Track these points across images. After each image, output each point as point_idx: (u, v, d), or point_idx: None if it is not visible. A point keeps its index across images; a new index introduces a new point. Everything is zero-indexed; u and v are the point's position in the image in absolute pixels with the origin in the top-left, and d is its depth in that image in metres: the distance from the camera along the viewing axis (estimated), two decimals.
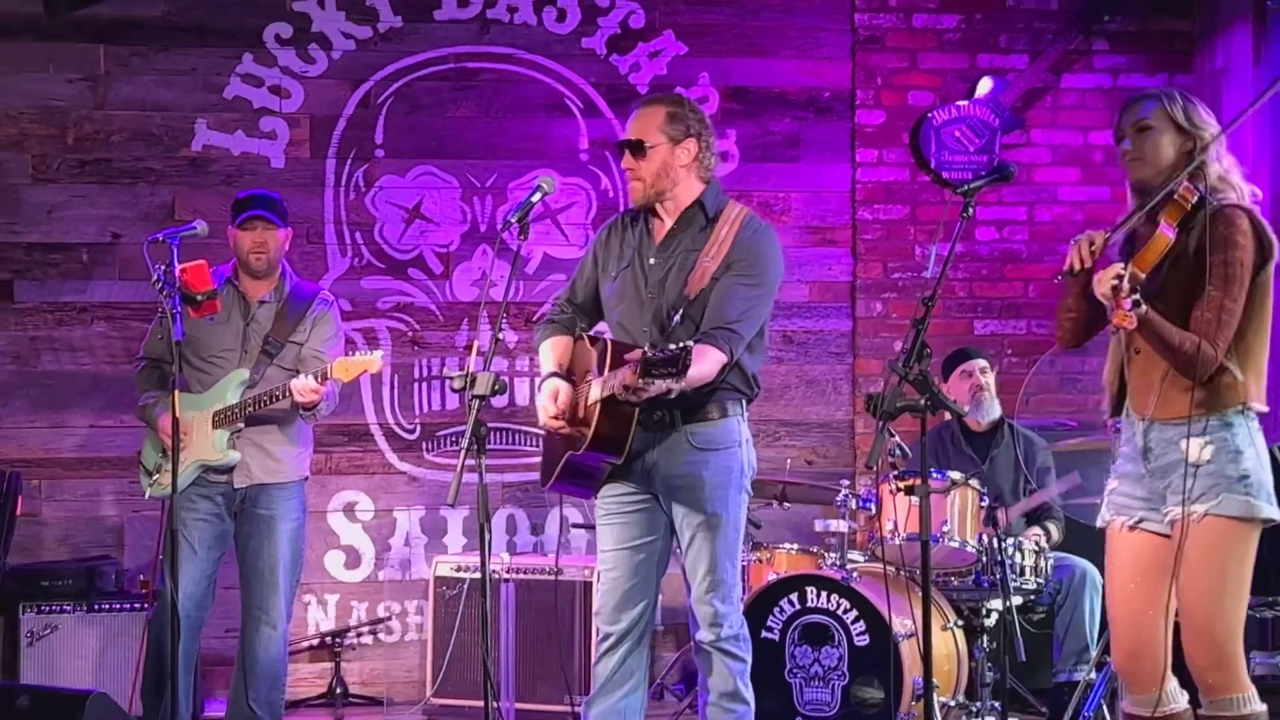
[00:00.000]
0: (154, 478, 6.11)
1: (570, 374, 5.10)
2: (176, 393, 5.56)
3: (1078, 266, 4.48)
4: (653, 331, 5.02)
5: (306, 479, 6.22)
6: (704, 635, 5.08)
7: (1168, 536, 4.48)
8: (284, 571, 6.07)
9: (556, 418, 4.98)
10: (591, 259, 5.30)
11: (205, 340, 6.07)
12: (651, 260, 5.12)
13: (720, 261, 5.01)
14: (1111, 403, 4.67)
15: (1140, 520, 4.55)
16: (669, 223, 5.14)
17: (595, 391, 4.92)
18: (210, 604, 6.06)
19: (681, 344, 4.56)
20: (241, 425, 5.97)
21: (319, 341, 6.11)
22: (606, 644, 5.13)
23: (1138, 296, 4.24)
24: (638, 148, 5.08)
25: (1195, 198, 4.39)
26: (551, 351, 5.20)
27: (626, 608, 5.11)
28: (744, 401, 5.13)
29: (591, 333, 5.21)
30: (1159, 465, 4.49)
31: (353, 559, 7.72)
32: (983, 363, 7.10)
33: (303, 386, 5.80)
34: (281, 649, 6.10)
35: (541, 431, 5.23)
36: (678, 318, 4.97)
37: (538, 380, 4.80)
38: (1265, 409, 4.52)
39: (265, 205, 6.11)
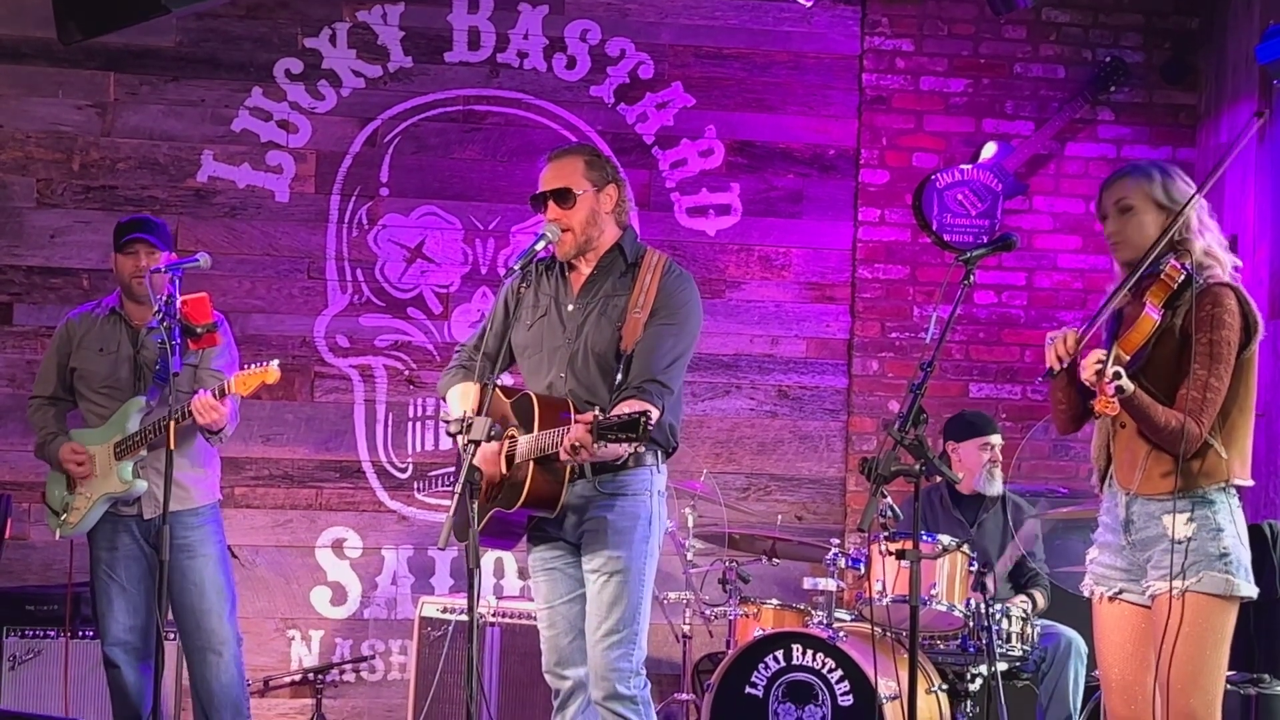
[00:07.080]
0: (62, 517, 5.99)
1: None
2: (172, 424, 5.57)
3: (1056, 367, 4.47)
4: (568, 378, 4.96)
5: (219, 502, 6.14)
6: (594, 691, 4.94)
7: (1147, 607, 4.51)
8: (216, 594, 5.97)
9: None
10: (503, 307, 5.18)
11: (97, 372, 6.03)
12: (570, 307, 5.05)
13: (648, 311, 4.95)
14: (1100, 476, 4.69)
15: (1120, 591, 4.59)
16: (587, 269, 5.09)
17: (524, 447, 4.84)
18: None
19: (640, 409, 4.54)
20: (144, 453, 5.87)
21: (212, 359, 6.00)
22: (557, 701, 5.09)
23: (1121, 382, 4.27)
24: (565, 196, 5.00)
25: (1182, 276, 4.41)
26: (462, 398, 5.07)
27: (569, 664, 5.04)
28: (659, 453, 5.03)
29: (501, 382, 5.09)
30: (1140, 538, 4.52)
31: (339, 595, 7.69)
32: (1000, 439, 7.05)
33: (202, 404, 5.67)
34: (235, 674, 6.01)
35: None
36: (618, 376, 4.89)
37: (444, 423, 4.69)
38: (1250, 483, 4.55)
39: (147, 229, 6.01)
